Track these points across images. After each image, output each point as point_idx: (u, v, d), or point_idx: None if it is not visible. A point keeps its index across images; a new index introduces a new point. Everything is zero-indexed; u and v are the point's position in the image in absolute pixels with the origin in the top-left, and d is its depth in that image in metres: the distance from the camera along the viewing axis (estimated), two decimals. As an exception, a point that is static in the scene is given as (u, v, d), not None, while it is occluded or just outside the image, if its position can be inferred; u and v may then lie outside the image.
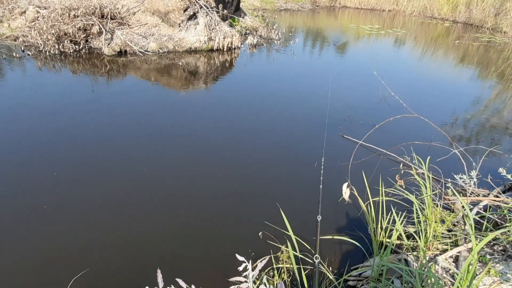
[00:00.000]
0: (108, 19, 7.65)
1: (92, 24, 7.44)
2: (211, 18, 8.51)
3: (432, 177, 3.36)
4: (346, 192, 2.32)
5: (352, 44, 12.19)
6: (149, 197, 3.25)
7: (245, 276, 1.45)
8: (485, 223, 2.74)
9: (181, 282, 1.49)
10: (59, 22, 7.22)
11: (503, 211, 2.83)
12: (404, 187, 3.05)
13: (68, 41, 7.23)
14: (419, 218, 2.60)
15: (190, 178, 3.62)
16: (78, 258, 2.49)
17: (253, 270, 1.41)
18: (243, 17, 10.80)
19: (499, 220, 2.93)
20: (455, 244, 2.51)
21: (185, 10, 8.16)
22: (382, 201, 2.59)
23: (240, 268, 1.40)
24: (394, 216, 2.67)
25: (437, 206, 2.93)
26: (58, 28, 7.12)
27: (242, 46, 9.09)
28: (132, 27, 7.95)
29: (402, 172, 3.30)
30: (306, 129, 5.01)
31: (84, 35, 7.41)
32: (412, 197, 2.56)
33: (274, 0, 17.79)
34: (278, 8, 17.27)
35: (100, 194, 3.23)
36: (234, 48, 8.78)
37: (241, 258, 1.38)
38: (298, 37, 11.32)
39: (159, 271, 1.42)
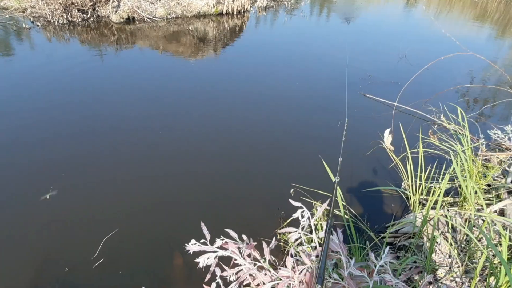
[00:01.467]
0: (113, -15, 7.35)
1: (97, -9, 7.17)
2: (219, -21, 8.12)
3: (463, 130, 3.20)
4: (388, 139, 2.19)
5: (366, 5, 11.65)
6: (174, 160, 3.17)
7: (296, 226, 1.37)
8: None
9: (231, 232, 1.41)
10: (64, -10, 6.97)
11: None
12: (437, 142, 2.91)
13: (76, 10, 7.00)
14: (456, 173, 2.47)
15: (215, 140, 3.52)
16: (109, 219, 2.45)
17: (312, 216, 1.32)
18: (251, -21, 10.32)
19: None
20: (499, 199, 2.38)
21: (192, -28, 7.78)
22: (420, 156, 2.45)
23: (296, 215, 1.30)
24: (427, 172, 2.54)
25: (473, 161, 2.79)
26: (64, -4, 6.88)
27: (251, 9, 8.72)
28: (138, -8, 7.65)
29: (435, 127, 3.14)
30: (327, 89, 4.82)
31: (91, 3, 7.16)
32: (457, 148, 2.40)
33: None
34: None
35: (126, 156, 3.16)
36: (244, 12, 8.43)
37: (297, 204, 1.28)
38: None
39: (202, 224, 1.34)
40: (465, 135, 2.57)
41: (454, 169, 2.69)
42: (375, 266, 1.14)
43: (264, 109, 4.20)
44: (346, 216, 2.15)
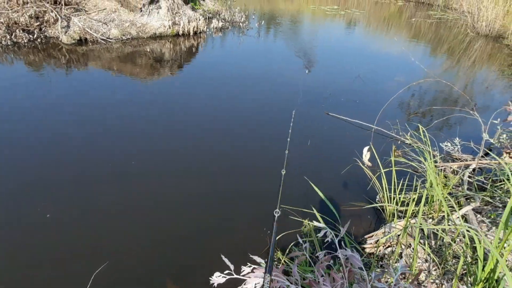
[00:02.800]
0: (62, 4, 7.07)
1: (45, 11, 6.85)
2: (174, 1, 8.15)
3: (421, 147, 3.50)
4: (366, 156, 2.34)
5: (316, 24, 12.31)
6: (146, 185, 3.09)
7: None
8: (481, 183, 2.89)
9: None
10: (7, 10, 6.57)
11: (494, 172, 3.01)
12: (403, 159, 3.15)
13: (20, 31, 6.61)
14: (424, 184, 2.70)
15: (175, 176, 3.49)
16: (94, 253, 2.32)
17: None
18: (204, 0, 10.48)
19: (485, 181, 3.12)
20: (459, 205, 2.63)
21: (146, -7, 7.74)
22: (391, 171, 2.64)
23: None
24: (399, 185, 2.74)
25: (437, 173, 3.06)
26: (7, 16, 6.47)
27: (207, 30, 8.84)
28: (90, 13, 7.43)
29: (399, 142, 3.39)
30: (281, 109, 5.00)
31: (37, 23, 6.81)
32: (426, 164, 2.62)
33: (231, -17, 17.41)
34: (236, -9, 16.94)
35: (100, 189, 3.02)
36: (200, 32, 8.52)
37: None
38: (260, 20, 11.20)
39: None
40: (428, 150, 2.83)
41: (422, 180, 2.93)
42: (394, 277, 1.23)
43: (228, 131, 4.25)
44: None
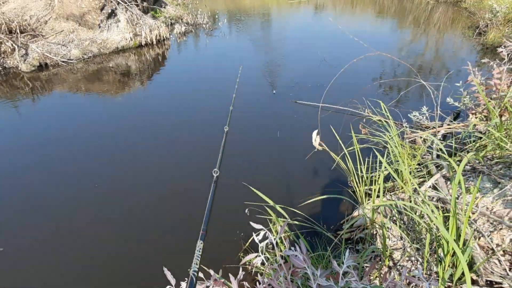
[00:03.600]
0: (17, 33, 6.88)
1: (0, 42, 6.65)
2: (132, 12, 8.01)
3: (388, 120, 3.49)
4: (316, 140, 2.32)
5: (282, 15, 12.26)
6: (110, 200, 3.03)
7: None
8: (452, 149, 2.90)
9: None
10: (-41, 46, 6.36)
11: (464, 135, 3.02)
12: (368, 136, 3.14)
13: (-24, 65, 6.41)
14: (390, 159, 2.69)
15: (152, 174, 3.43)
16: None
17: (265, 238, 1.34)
18: (164, 7, 10.33)
19: (457, 145, 3.13)
20: (430, 175, 2.64)
21: (102, 9, 7.59)
22: (361, 150, 2.62)
23: (258, 238, 1.31)
24: (366, 163, 2.73)
25: (402, 146, 3.06)
26: (-41, 52, 6.27)
27: (171, 36, 8.72)
28: (47, 37, 7.24)
29: (364, 121, 3.39)
30: (257, 98, 4.97)
31: (-7, 56, 6.61)
32: (386, 137, 2.61)
33: (191, -14, 17.21)
34: (197, -7, 16.75)
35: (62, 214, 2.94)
36: (164, 40, 8.39)
37: (257, 226, 1.29)
38: (224, 18, 11.11)
39: (165, 269, 1.29)
40: (390, 124, 2.81)
41: (388, 156, 2.92)
42: (341, 270, 1.20)
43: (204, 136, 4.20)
44: (299, 223, 2.22)
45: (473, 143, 2.85)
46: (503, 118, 3.23)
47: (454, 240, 1.58)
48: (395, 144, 2.57)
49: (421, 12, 10.49)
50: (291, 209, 2.40)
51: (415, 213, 2.14)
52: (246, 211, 2.43)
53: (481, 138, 2.96)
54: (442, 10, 9.97)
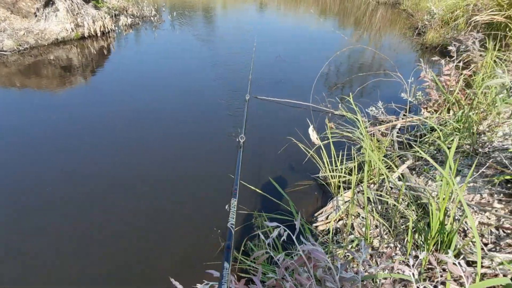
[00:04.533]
0: None
1: None
2: (72, 1, 7.40)
3: (350, 116, 3.63)
4: (313, 135, 2.35)
5: (228, 10, 12.18)
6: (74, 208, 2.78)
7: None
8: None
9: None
10: None
11: (419, 127, 3.23)
12: (336, 130, 3.24)
13: None
14: (360, 152, 2.80)
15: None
16: None
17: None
18: (107, -3, 9.71)
19: (411, 137, 3.35)
20: (395, 165, 2.79)
21: (37, -4, 6.91)
22: (329, 145, 2.69)
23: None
24: (339, 157, 2.81)
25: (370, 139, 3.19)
26: None
27: (116, 28, 8.22)
28: (-29, 25, 6.43)
29: (330, 115, 3.48)
30: (214, 96, 4.88)
31: None
32: (357, 133, 2.70)
33: (133, -24, 16.38)
34: (140, -16, 15.99)
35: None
36: (109, 32, 7.89)
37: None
38: (172, 11, 10.74)
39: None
40: (357, 118, 2.92)
41: (358, 148, 3.04)
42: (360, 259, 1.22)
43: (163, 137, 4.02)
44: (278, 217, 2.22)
45: (430, 135, 3.06)
46: (450, 112, 3.52)
47: (440, 222, 1.68)
48: (364, 137, 2.67)
49: (362, 13, 11.07)
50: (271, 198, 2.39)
51: (390, 201, 2.24)
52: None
53: (434, 130, 3.19)
54: (382, 11, 10.62)
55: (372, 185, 2.70)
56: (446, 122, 3.13)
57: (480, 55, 3.88)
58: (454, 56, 3.53)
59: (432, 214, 1.72)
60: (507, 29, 4.60)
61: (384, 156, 2.94)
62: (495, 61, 3.68)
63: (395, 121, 3.69)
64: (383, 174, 2.61)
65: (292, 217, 2.35)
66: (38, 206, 2.80)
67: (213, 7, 12.52)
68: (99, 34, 7.63)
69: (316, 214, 2.64)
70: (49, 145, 3.72)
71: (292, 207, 2.30)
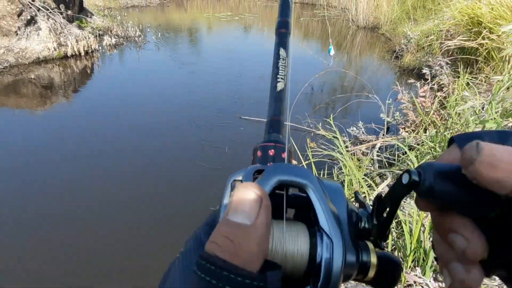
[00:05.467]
0: None
1: None
2: (55, 20, 7.41)
3: (332, 135, 3.72)
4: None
5: (213, 31, 12.40)
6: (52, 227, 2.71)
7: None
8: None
9: None
10: None
11: (398, 146, 3.33)
12: (319, 149, 3.30)
13: None
14: (341, 170, 2.86)
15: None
16: None
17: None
18: (91, 17, 9.75)
19: (391, 156, 3.45)
20: (375, 184, 2.85)
21: (19, 15, 6.89)
22: (311, 163, 2.74)
23: None
24: (322, 176, 2.86)
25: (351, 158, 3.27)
26: None
27: (100, 48, 8.23)
28: (-50, 42, 6.33)
29: (312, 135, 3.55)
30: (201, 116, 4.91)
31: None
32: (337, 153, 2.76)
33: (118, -3, 16.58)
34: (125, 5, 16.17)
35: None
36: (92, 52, 7.89)
37: None
38: (157, 32, 10.86)
39: None
40: (337, 137, 3.00)
41: (338, 167, 3.10)
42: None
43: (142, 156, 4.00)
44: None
45: (408, 154, 3.15)
46: (427, 132, 3.65)
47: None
48: (344, 156, 2.74)
49: (343, 36, 11.46)
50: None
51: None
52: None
53: (412, 149, 3.30)
54: (362, 35, 11.02)
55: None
56: (423, 142, 3.24)
57: (453, 78, 4.08)
58: (428, 79, 3.70)
59: (406, 233, 1.76)
60: (477, 53, 4.85)
61: (365, 175, 3.00)
62: (468, 84, 3.87)
63: (375, 140, 3.79)
64: (364, 192, 2.67)
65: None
66: None
67: (198, 28, 12.74)
68: (82, 54, 7.61)
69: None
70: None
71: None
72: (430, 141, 3.05)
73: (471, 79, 4.05)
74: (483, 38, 4.58)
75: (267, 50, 9.53)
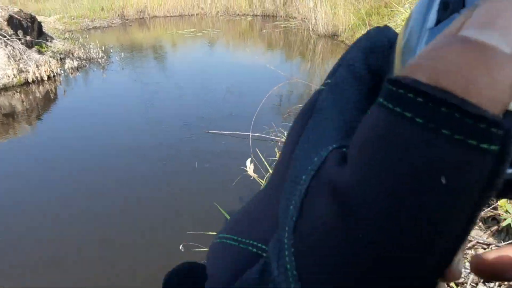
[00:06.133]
0: None
1: None
2: (14, 47, 7.25)
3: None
4: (250, 167, 2.47)
5: (177, 48, 12.46)
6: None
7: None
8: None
9: None
10: None
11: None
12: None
13: None
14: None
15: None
16: None
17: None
18: (51, 41, 9.58)
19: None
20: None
21: (-26, 44, 6.70)
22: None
23: None
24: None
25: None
26: None
27: (62, 72, 8.09)
28: None
29: (279, 144, 3.68)
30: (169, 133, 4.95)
31: None
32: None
33: (79, 20, 16.32)
34: (86, 27, 15.93)
35: None
36: (54, 76, 7.74)
37: None
38: (120, 52, 10.80)
39: None
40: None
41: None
42: None
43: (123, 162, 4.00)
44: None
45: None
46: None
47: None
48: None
49: (305, 45, 11.84)
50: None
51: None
52: (181, 247, 2.42)
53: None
54: (323, 43, 11.43)
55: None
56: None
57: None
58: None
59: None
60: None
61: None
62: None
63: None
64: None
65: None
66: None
67: (162, 45, 12.75)
68: (45, 78, 7.46)
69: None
70: None
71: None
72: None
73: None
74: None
75: (233, 63, 9.72)
